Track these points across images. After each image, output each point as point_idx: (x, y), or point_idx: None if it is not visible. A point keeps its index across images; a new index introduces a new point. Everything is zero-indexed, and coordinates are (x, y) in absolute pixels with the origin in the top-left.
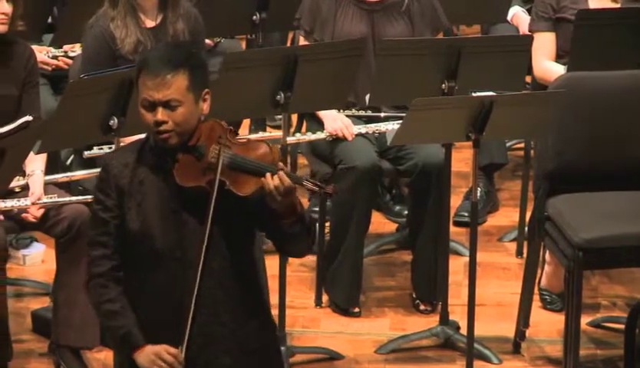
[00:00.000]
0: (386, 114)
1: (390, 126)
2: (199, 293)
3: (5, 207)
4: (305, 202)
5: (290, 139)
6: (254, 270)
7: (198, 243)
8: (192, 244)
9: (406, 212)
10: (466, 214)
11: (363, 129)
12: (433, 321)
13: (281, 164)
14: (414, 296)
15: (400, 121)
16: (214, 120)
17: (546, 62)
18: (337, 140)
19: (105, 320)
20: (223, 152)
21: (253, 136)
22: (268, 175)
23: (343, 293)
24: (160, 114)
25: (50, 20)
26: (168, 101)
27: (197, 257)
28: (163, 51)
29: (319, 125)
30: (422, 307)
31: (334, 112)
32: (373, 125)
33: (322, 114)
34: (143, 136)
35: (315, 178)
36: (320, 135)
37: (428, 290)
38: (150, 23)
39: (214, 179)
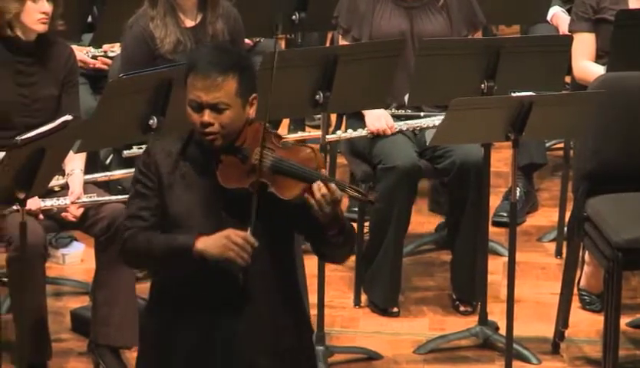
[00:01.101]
0: (426, 113)
1: (431, 122)
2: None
3: (45, 206)
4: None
5: (330, 137)
6: (293, 272)
7: None
8: None
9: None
10: (505, 214)
11: (404, 126)
12: (472, 321)
13: (324, 170)
14: (454, 297)
15: (440, 116)
16: (260, 123)
17: (586, 62)
18: (376, 139)
19: (151, 256)
20: (267, 156)
21: (292, 136)
22: (315, 184)
23: (382, 293)
24: (207, 116)
25: (89, 19)
26: (216, 104)
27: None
28: (214, 53)
29: (359, 123)
30: (462, 309)
31: (380, 110)
32: (413, 121)
33: (366, 111)
34: None
35: (355, 183)
36: (360, 132)
37: (468, 291)
38: (189, 23)
39: (257, 181)
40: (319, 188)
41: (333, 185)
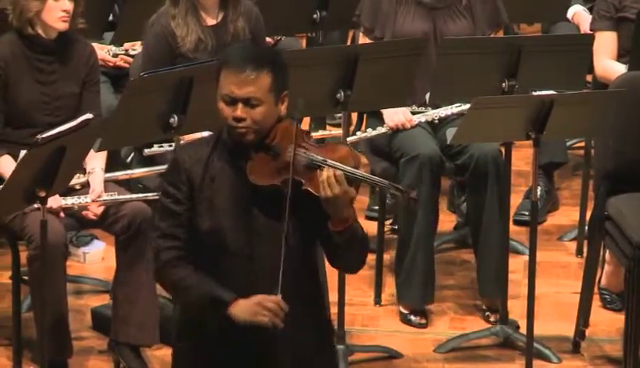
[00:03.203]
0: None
1: (450, 111)
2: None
3: (66, 204)
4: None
5: (350, 139)
6: (316, 272)
7: (267, 241)
8: (261, 241)
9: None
10: (526, 213)
11: (422, 117)
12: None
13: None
14: (483, 308)
15: (458, 105)
16: (289, 120)
17: (607, 61)
18: (396, 133)
19: (186, 296)
20: (300, 153)
21: (313, 135)
22: (326, 169)
23: (417, 291)
24: (240, 111)
25: (111, 18)
26: (249, 99)
27: (276, 258)
28: (248, 49)
29: (380, 122)
30: (492, 319)
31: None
32: (432, 111)
33: (384, 110)
34: (204, 133)
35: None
36: (380, 130)
37: (495, 296)
38: (210, 21)
39: (290, 178)
40: (328, 170)
41: (342, 176)
